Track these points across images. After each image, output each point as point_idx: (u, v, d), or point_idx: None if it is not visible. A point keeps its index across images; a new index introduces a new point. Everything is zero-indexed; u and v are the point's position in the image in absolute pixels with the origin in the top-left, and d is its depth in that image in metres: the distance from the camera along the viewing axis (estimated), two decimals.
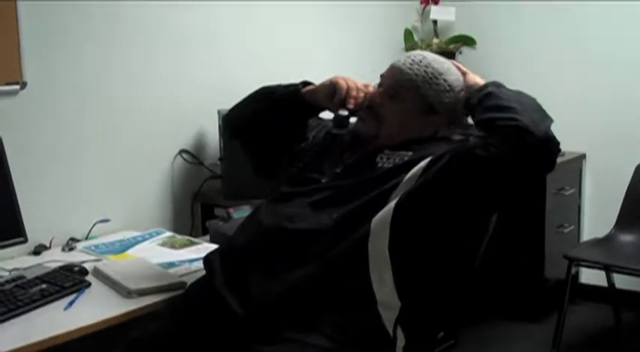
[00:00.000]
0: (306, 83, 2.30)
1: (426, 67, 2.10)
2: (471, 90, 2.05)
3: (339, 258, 1.90)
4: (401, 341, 1.92)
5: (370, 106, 2.13)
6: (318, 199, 2.03)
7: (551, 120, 1.90)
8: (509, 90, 1.96)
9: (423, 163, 1.94)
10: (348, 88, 2.14)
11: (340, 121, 2.15)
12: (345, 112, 2.14)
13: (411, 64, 2.11)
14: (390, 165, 2.02)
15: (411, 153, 2.02)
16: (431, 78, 2.08)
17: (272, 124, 2.31)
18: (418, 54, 2.16)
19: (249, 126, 2.38)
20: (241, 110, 2.44)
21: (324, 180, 2.10)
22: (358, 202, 1.96)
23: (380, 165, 2.04)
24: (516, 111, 1.83)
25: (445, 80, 2.09)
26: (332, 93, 2.17)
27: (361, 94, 2.15)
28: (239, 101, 2.46)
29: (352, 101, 2.14)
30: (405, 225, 1.88)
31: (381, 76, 2.18)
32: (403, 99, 2.10)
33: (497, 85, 1.98)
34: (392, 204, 1.90)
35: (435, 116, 2.11)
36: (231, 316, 1.91)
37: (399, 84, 2.11)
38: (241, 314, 1.90)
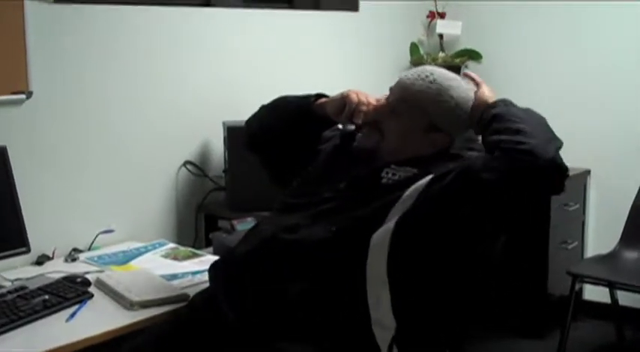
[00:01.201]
0: (320, 95, 2.28)
1: (431, 83, 2.06)
2: (479, 107, 2.02)
3: (335, 274, 1.90)
4: None
5: (374, 120, 2.12)
6: (319, 211, 2.03)
7: (560, 142, 1.89)
8: (519, 110, 1.94)
9: (424, 181, 1.93)
10: (358, 103, 2.12)
11: (347, 135, 2.16)
12: (352, 127, 2.15)
13: (415, 80, 2.08)
14: (393, 181, 2.01)
15: (416, 170, 2.01)
16: (435, 95, 2.05)
17: (286, 135, 2.30)
18: (425, 69, 2.12)
19: (264, 137, 2.38)
20: (257, 120, 2.42)
21: (326, 194, 2.09)
22: (357, 216, 1.95)
23: (384, 180, 2.03)
24: (525, 134, 1.82)
25: (451, 97, 2.06)
26: (342, 107, 2.15)
27: (371, 109, 2.12)
28: (256, 111, 2.45)
29: (360, 115, 2.11)
30: (404, 246, 1.88)
31: (390, 89, 2.17)
32: (404, 116, 2.08)
33: (507, 103, 1.96)
34: (391, 223, 1.89)
35: (437, 134, 2.08)
36: (226, 323, 1.93)
37: (401, 99, 2.09)
38: (233, 321, 1.92)
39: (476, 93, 2.09)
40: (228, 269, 2.07)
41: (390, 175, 2.04)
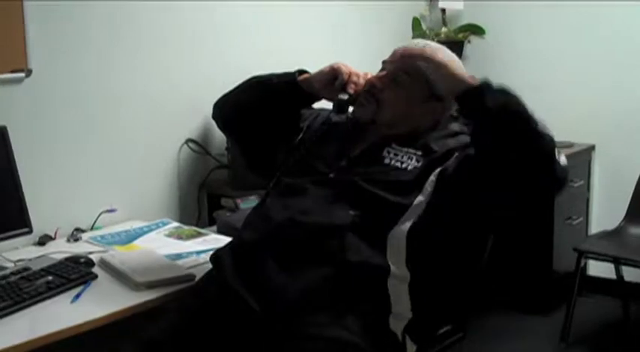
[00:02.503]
0: (301, 71, 2.25)
1: (424, 47, 2.05)
2: (458, 83, 1.92)
3: (358, 263, 1.87)
4: (411, 348, 1.93)
5: (370, 91, 2.09)
6: (332, 194, 1.99)
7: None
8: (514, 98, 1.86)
9: (432, 178, 1.93)
10: (350, 73, 2.11)
11: (340, 106, 2.11)
12: (345, 96, 2.10)
13: (412, 48, 2.08)
14: (398, 164, 1.99)
15: (420, 152, 1.99)
16: (432, 60, 1.99)
17: (265, 115, 2.26)
18: (421, 41, 2.13)
19: (241, 118, 2.32)
20: (231, 100, 2.37)
21: (331, 175, 2.05)
22: (375, 206, 1.93)
23: (387, 161, 2.01)
24: (539, 133, 1.81)
25: (450, 59, 2.02)
26: (331, 80, 2.14)
27: (362, 81, 2.11)
28: (228, 91, 2.40)
29: (353, 86, 2.10)
30: (423, 244, 1.90)
31: (384, 62, 2.15)
32: (405, 84, 2.06)
33: (499, 89, 1.85)
34: (405, 226, 1.90)
35: (435, 103, 2.08)
36: (249, 313, 1.87)
37: (402, 69, 2.07)
38: (259, 311, 1.86)
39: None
40: (240, 258, 2.00)
41: (392, 155, 2.02)
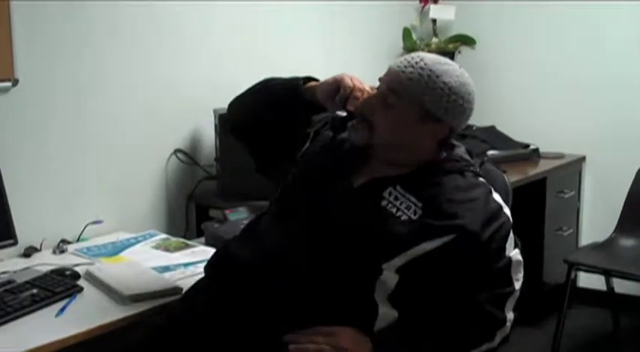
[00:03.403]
0: (309, 78, 2.13)
1: (422, 69, 1.87)
2: None
3: (345, 301, 1.86)
4: None
5: (362, 113, 1.94)
6: (323, 225, 1.91)
7: None
8: None
9: (414, 252, 1.83)
10: (353, 88, 1.97)
11: (337, 123, 1.99)
12: (343, 113, 1.97)
13: (405, 67, 1.89)
14: (394, 210, 1.86)
15: (421, 204, 1.86)
16: (427, 81, 1.86)
17: (269, 120, 2.15)
18: (416, 55, 1.93)
19: (248, 121, 2.22)
20: (239, 102, 2.28)
21: (326, 201, 1.94)
22: (363, 240, 1.86)
23: (384, 203, 1.88)
24: None
25: (444, 83, 1.87)
26: (334, 92, 2.00)
27: (366, 96, 1.97)
28: (238, 94, 2.30)
29: (354, 102, 1.96)
30: (408, 294, 1.86)
31: (380, 79, 1.97)
32: (396, 107, 1.89)
33: None
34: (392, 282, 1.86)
35: (433, 124, 1.90)
36: (230, 326, 1.89)
37: (391, 88, 1.91)
38: (239, 327, 1.87)
39: None
40: (231, 275, 1.97)
41: (392, 198, 1.88)
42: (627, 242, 3.87)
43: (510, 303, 1.90)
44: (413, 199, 1.87)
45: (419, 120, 1.89)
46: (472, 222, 1.83)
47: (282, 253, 1.90)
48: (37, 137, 2.72)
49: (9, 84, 2.60)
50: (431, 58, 1.92)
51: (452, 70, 1.91)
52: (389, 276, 1.83)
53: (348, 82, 1.99)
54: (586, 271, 3.90)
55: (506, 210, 1.93)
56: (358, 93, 1.97)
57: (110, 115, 2.96)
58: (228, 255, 2.04)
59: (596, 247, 3.90)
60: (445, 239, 1.82)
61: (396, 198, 1.88)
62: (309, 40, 3.87)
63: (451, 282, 1.84)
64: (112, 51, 2.95)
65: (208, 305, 1.95)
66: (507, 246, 1.88)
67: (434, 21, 4.47)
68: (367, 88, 2.00)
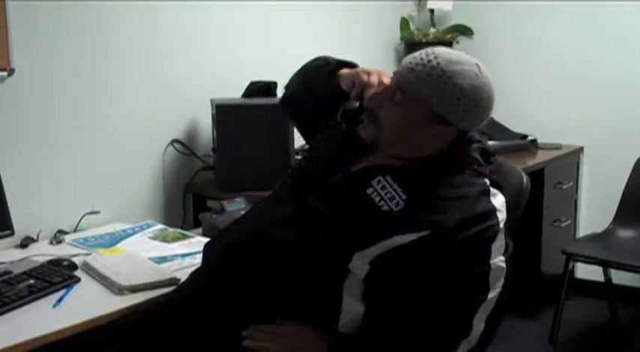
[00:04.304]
0: (348, 64, 2.07)
1: (433, 68, 1.79)
2: None
3: (310, 289, 1.83)
4: None
5: (369, 107, 1.90)
6: (308, 214, 1.89)
7: None
8: None
9: (388, 246, 1.76)
10: (367, 84, 1.92)
11: (349, 113, 1.95)
12: (355, 105, 1.94)
13: (416, 64, 1.81)
14: (377, 199, 1.81)
15: (405, 196, 1.79)
16: (437, 82, 1.78)
17: (309, 101, 2.13)
18: (431, 52, 1.83)
19: (293, 98, 2.20)
20: (292, 79, 2.23)
21: (318, 190, 1.92)
22: (341, 231, 1.82)
23: (370, 191, 1.83)
24: None
25: (455, 85, 1.78)
26: (353, 84, 1.97)
27: (381, 88, 1.91)
28: (300, 67, 2.24)
29: (368, 98, 1.91)
30: (379, 289, 1.80)
31: (394, 73, 1.90)
32: (402, 105, 1.83)
33: None
34: (362, 271, 1.79)
35: (441, 126, 1.82)
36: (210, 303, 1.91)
37: (399, 85, 1.84)
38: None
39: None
40: (214, 256, 1.99)
41: (379, 187, 1.83)
42: (625, 233, 3.87)
43: (482, 312, 1.76)
44: (399, 190, 1.81)
45: (425, 121, 1.82)
46: (449, 220, 1.74)
47: (258, 235, 1.90)
48: (33, 127, 2.70)
49: (5, 73, 2.58)
50: (446, 57, 1.81)
51: (466, 70, 1.81)
52: (360, 267, 1.77)
53: (363, 78, 1.94)
54: (584, 262, 3.89)
55: (500, 214, 1.81)
56: (371, 90, 1.91)
57: (107, 105, 2.95)
58: (218, 235, 2.08)
59: (593, 238, 3.89)
60: (419, 234, 1.73)
61: (383, 188, 1.82)
62: (306, 29, 3.86)
63: (418, 281, 1.74)
64: (109, 41, 2.93)
65: (194, 286, 2.01)
66: (492, 250, 1.77)
67: (432, 11, 4.46)
68: (386, 81, 1.92)
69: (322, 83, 2.07)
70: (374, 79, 1.92)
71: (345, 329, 1.81)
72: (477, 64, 1.83)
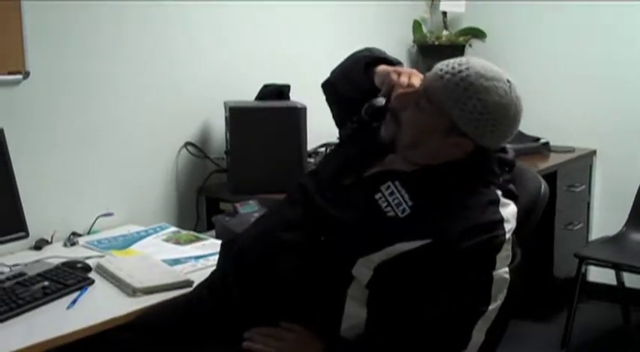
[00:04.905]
0: (384, 60, 2.05)
1: (461, 80, 1.75)
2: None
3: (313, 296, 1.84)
4: None
5: (393, 108, 1.89)
6: (316, 215, 1.89)
7: None
8: None
9: (391, 253, 1.74)
10: (396, 84, 1.89)
11: (372, 110, 1.93)
12: (380, 102, 1.92)
13: (446, 73, 1.79)
14: (384, 205, 1.80)
15: (411, 203, 1.78)
16: (462, 94, 1.75)
17: (346, 91, 2.12)
18: (465, 62, 1.80)
19: (334, 85, 2.20)
20: (335, 71, 2.22)
21: (328, 193, 1.92)
22: (345, 236, 1.82)
23: (378, 196, 1.82)
24: None
25: (479, 100, 1.74)
26: (383, 83, 1.96)
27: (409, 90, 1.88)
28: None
29: (396, 98, 1.89)
30: (382, 294, 1.79)
31: (425, 76, 1.89)
32: (426, 110, 1.81)
33: None
34: (366, 276, 1.78)
35: (459, 137, 1.80)
36: (229, 299, 1.93)
37: (424, 91, 1.82)
38: (237, 299, 1.91)
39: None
40: (232, 252, 2.00)
41: (387, 193, 1.82)
42: (638, 236, 3.87)
43: (482, 323, 1.72)
44: (406, 197, 1.79)
45: (445, 131, 1.80)
46: (452, 229, 1.71)
47: (266, 236, 1.92)
48: (47, 129, 2.72)
49: (20, 76, 2.59)
50: (478, 70, 1.77)
51: (495, 87, 1.76)
52: (363, 272, 1.76)
53: (393, 77, 1.92)
54: (596, 265, 3.89)
55: (508, 225, 1.78)
56: (400, 90, 1.89)
57: (121, 108, 2.96)
58: (236, 236, 2.09)
59: (606, 241, 3.89)
60: (420, 242, 1.71)
61: (392, 194, 1.81)
62: (319, 32, 3.86)
63: (420, 289, 1.72)
64: (123, 43, 2.94)
65: (210, 288, 2.04)
66: (497, 260, 1.74)
67: (444, 13, 4.46)
68: (415, 85, 1.89)
69: (358, 75, 2.06)
70: (403, 80, 1.89)
71: (347, 334, 1.80)
72: (508, 81, 1.78)
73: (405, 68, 1.96)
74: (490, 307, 1.72)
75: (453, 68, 1.79)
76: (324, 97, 2.25)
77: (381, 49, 2.13)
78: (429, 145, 1.84)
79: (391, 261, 1.73)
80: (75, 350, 1.96)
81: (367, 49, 2.14)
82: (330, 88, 2.21)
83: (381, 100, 1.92)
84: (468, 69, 1.77)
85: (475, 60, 1.82)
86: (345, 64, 2.17)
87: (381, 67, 2.00)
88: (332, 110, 2.25)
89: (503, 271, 1.75)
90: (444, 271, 1.72)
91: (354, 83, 2.08)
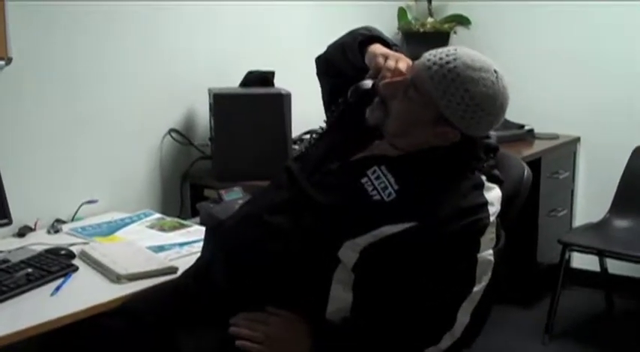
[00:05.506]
0: (379, 39, 2.03)
1: (449, 71, 1.76)
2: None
3: (298, 278, 1.83)
4: None
5: (382, 95, 1.88)
6: (302, 198, 1.89)
7: None
8: None
9: (377, 236, 1.75)
10: (383, 68, 1.89)
11: (359, 92, 1.92)
12: (368, 85, 1.91)
13: (433, 63, 1.79)
14: (370, 188, 1.81)
15: (397, 187, 1.78)
16: (449, 85, 1.76)
17: (338, 69, 2.11)
18: (452, 52, 1.80)
19: (326, 63, 2.19)
20: (329, 50, 2.20)
21: (315, 177, 1.93)
22: (331, 220, 1.82)
23: (364, 180, 1.82)
24: None
25: (467, 90, 1.75)
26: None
27: (393, 79, 1.87)
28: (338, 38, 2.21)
29: (383, 82, 1.88)
30: (368, 278, 1.80)
31: (413, 64, 1.88)
32: (413, 100, 1.81)
33: None
34: (352, 258, 1.78)
35: (445, 127, 1.81)
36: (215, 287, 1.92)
37: (411, 81, 1.82)
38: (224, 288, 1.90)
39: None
40: (218, 237, 2.01)
41: (374, 177, 1.83)
42: (621, 223, 3.88)
43: (467, 305, 1.75)
44: (392, 181, 1.80)
45: (432, 120, 1.81)
46: (436, 213, 1.74)
47: (252, 219, 1.92)
48: (31, 116, 2.70)
49: (2, 62, 2.57)
50: (465, 60, 1.77)
51: (483, 78, 1.77)
52: (349, 255, 1.77)
53: (380, 61, 1.91)
54: (580, 252, 3.91)
55: (492, 207, 1.80)
56: (387, 73, 1.88)
57: (105, 94, 2.94)
58: (222, 221, 2.08)
59: (590, 228, 3.91)
60: (406, 225, 1.73)
61: (378, 178, 1.82)
62: (303, 19, 3.86)
63: (405, 272, 1.74)
64: (107, 30, 2.93)
65: (197, 273, 2.05)
66: (481, 243, 1.76)
67: (429, 1, 4.45)
68: (402, 70, 1.89)
69: (352, 51, 2.04)
70: (390, 64, 1.89)
71: (333, 317, 1.81)
72: (495, 71, 1.78)
73: (393, 52, 1.95)
74: (474, 288, 1.74)
75: (441, 58, 1.79)
76: (308, 84, 2.24)
77: (379, 30, 2.12)
78: (417, 134, 1.84)
79: (377, 244, 1.74)
80: (59, 336, 1.96)
81: (366, 28, 2.11)
82: (324, 59, 2.20)
83: (367, 83, 1.91)
84: (455, 60, 1.77)
85: (463, 50, 1.81)
86: (342, 39, 2.14)
87: (372, 47, 1.99)
88: (322, 85, 2.23)
89: (487, 253, 1.77)
90: (429, 253, 1.73)
91: (347, 59, 2.07)
